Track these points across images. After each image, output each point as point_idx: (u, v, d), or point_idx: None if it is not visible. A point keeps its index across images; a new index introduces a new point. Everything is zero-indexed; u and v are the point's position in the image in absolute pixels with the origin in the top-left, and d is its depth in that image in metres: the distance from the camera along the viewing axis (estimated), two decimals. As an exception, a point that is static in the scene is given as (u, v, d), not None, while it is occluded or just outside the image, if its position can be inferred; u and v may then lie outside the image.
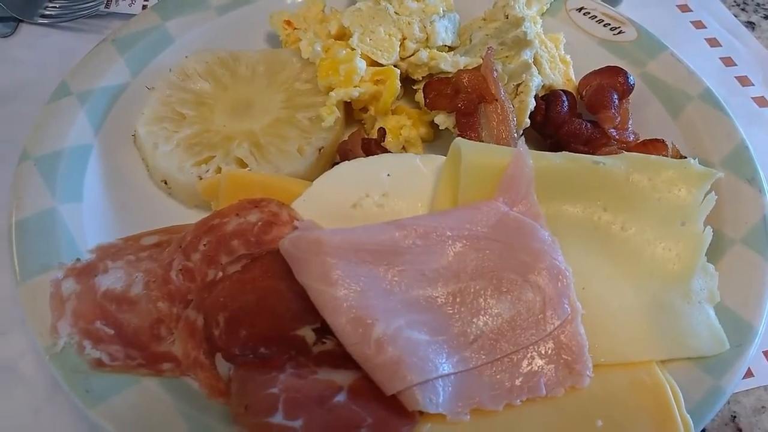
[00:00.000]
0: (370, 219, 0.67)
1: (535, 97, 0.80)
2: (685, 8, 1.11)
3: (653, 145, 0.75)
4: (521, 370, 0.58)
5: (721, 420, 0.69)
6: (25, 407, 0.65)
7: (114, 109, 0.81)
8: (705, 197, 0.66)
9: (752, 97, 0.98)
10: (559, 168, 0.66)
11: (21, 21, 1.02)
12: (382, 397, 0.55)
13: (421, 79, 0.87)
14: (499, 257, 0.62)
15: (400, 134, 0.83)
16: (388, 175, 0.70)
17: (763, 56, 1.03)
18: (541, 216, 0.64)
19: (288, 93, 0.84)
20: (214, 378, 0.58)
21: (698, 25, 1.09)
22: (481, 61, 0.82)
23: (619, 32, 0.93)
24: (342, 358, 0.57)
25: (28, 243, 0.65)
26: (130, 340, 0.60)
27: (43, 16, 1.02)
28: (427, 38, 0.86)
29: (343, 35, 0.88)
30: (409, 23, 0.86)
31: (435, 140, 0.86)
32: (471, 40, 0.90)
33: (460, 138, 0.69)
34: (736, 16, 1.11)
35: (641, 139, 0.79)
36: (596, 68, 0.86)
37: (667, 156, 0.74)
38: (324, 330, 0.59)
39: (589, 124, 0.79)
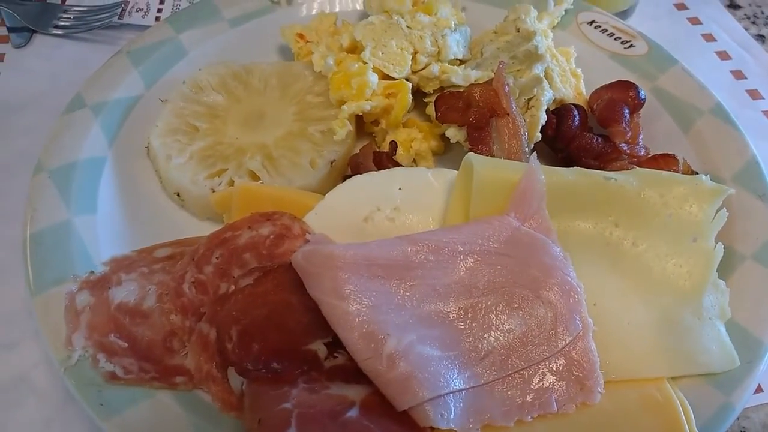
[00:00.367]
0: (381, 233, 0.68)
1: (547, 111, 0.81)
2: (695, 21, 1.12)
3: (664, 160, 0.76)
4: (532, 386, 0.58)
5: (732, 436, 0.69)
6: (36, 419, 0.65)
7: (128, 121, 0.82)
8: (716, 214, 0.66)
9: (763, 111, 0.98)
10: (571, 183, 0.66)
11: (35, 32, 1.03)
12: (393, 412, 0.55)
13: (432, 92, 0.87)
14: (511, 273, 0.63)
15: (411, 147, 0.83)
16: (400, 189, 0.70)
17: (773, 70, 1.03)
18: (552, 231, 0.64)
19: (300, 106, 0.84)
20: (226, 392, 0.59)
21: (708, 38, 1.09)
22: (492, 74, 0.82)
23: (630, 46, 0.93)
24: (354, 373, 0.57)
25: (42, 255, 0.66)
26: (143, 354, 0.60)
27: (57, 27, 1.03)
28: (438, 52, 0.86)
29: (355, 48, 0.89)
30: (420, 37, 0.86)
31: (446, 153, 0.87)
32: (482, 54, 0.90)
33: (472, 153, 0.69)
34: (746, 29, 1.11)
35: (652, 154, 0.79)
36: (607, 82, 0.87)
37: (678, 171, 0.75)
38: (336, 344, 0.59)
39: (600, 139, 0.79)
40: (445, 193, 0.70)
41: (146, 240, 0.71)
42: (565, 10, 0.97)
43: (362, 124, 0.87)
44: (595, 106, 0.85)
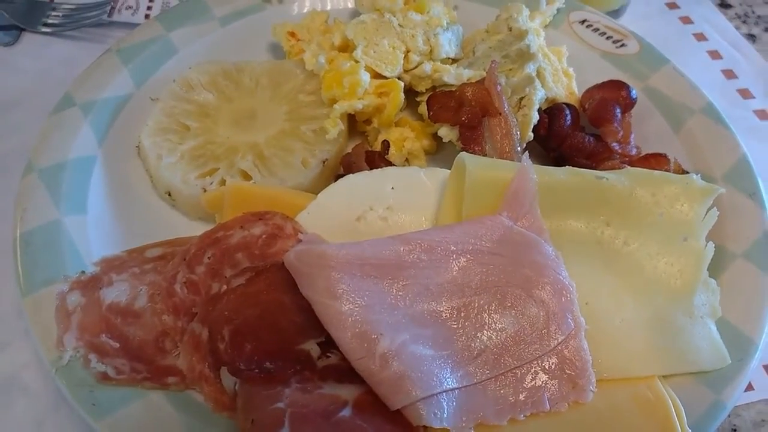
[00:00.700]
0: (374, 232, 0.68)
1: (539, 110, 0.81)
2: (687, 20, 1.12)
3: (655, 160, 0.76)
4: (525, 385, 0.58)
5: (722, 433, 0.70)
6: (28, 420, 0.65)
7: (118, 120, 0.81)
8: (707, 213, 0.67)
9: (753, 110, 0.99)
10: (563, 183, 0.66)
11: (23, 30, 1.02)
12: (386, 411, 0.55)
13: (424, 91, 0.87)
14: (503, 272, 0.63)
15: (404, 146, 0.83)
16: (393, 188, 0.70)
17: (764, 69, 1.04)
18: (544, 231, 0.64)
19: (292, 105, 0.84)
20: (219, 392, 0.58)
21: (700, 37, 1.09)
22: (484, 73, 0.82)
23: (622, 45, 0.93)
24: (347, 373, 0.57)
25: (33, 255, 0.65)
26: (135, 354, 0.60)
27: (46, 24, 1.02)
28: (430, 51, 0.86)
29: (346, 47, 0.88)
30: (413, 36, 0.86)
31: (438, 152, 0.87)
32: (474, 53, 0.90)
33: (464, 152, 0.69)
34: (737, 29, 1.12)
35: (643, 153, 0.79)
36: (599, 81, 0.87)
37: (669, 170, 0.75)
38: (328, 344, 0.59)
39: (591, 138, 0.80)
40: (437, 193, 0.70)
41: (137, 240, 0.71)
42: (557, 9, 0.97)
43: (354, 123, 0.87)
44: (587, 106, 0.85)
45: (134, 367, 0.59)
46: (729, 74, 1.04)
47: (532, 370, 0.59)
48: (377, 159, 0.77)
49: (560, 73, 0.89)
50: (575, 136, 0.79)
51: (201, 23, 0.93)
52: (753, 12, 1.16)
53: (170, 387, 0.59)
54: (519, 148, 0.76)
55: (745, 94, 1.01)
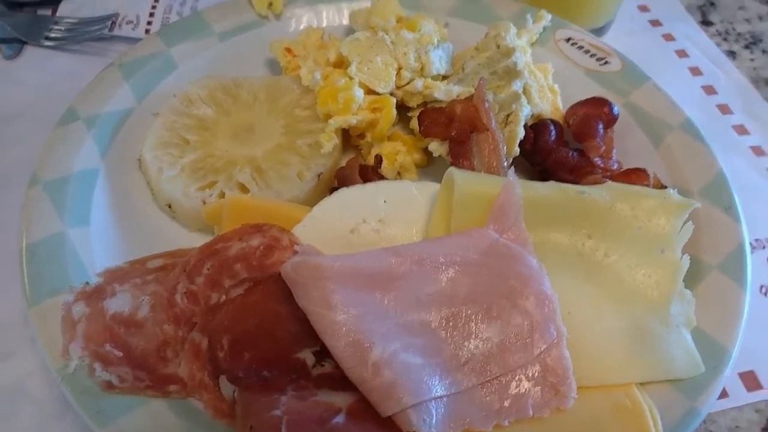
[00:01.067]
0: (367, 244, 0.71)
1: (525, 126, 0.84)
2: (669, 37, 1.16)
3: (636, 174, 0.79)
4: (510, 392, 0.62)
5: (698, 438, 0.73)
6: (32, 427, 0.67)
7: (120, 134, 0.84)
8: (683, 226, 0.70)
9: (732, 126, 1.03)
10: (547, 197, 0.70)
11: (26, 43, 1.05)
12: (378, 418, 0.58)
13: (416, 106, 0.90)
14: (490, 283, 0.66)
15: (396, 160, 0.86)
16: (385, 201, 0.73)
17: (743, 85, 1.08)
18: (529, 243, 0.67)
19: (288, 119, 0.87)
20: (218, 399, 0.61)
21: (681, 54, 1.13)
22: (473, 90, 0.86)
23: (605, 63, 0.97)
24: (340, 381, 0.60)
25: (38, 266, 0.68)
26: (137, 362, 0.62)
27: (48, 38, 1.05)
28: (422, 68, 0.90)
29: (341, 63, 0.91)
30: (404, 53, 0.89)
31: (429, 166, 0.90)
32: (464, 69, 0.93)
33: (453, 167, 0.72)
34: (718, 46, 1.16)
35: (624, 168, 0.83)
36: (583, 97, 0.90)
37: (648, 185, 0.78)
38: (323, 353, 0.62)
39: (575, 153, 0.83)
40: (428, 206, 0.73)
41: (139, 251, 0.73)
42: (544, 27, 1.00)
43: (348, 137, 0.90)
44: (571, 121, 0.88)
45: (137, 376, 0.62)
46: (709, 90, 1.07)
47: (517, 378, 0.62)
48: (370, 173, 0.80)
49: (546, 90, 0.93)
50: (559, 151, 0.83)
51: (200, 39, 0.96)
52: (734, 29, 1.20)
53: (172, 395, 0.62)
54: (505, 163, 0.79)
55: (724, 109, 1.05)
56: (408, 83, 0.89)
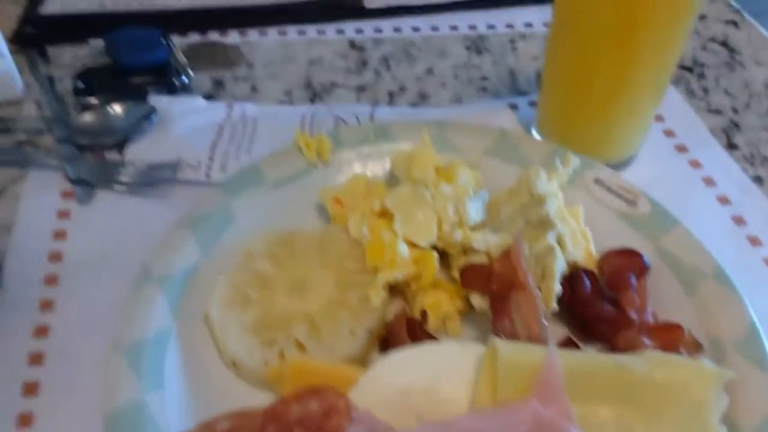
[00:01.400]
0: (417, 408, 0.76)
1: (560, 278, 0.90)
2: (696, 164, 1.21)
3: (671, 331, 0.84)
4: None
5: None
6: None
7: (188, 291, 0.92)
8: (719, 396, 0.74)
9: (763, 258, 1.06)
10: (587, 369, 0.75)
11: (97, 187, 1.15)
12: None
13: (456, 253, 0.97)
14: (535, 454, 0.70)
15: (440, 309, 0.92)
16: (433, 365, 0.79)
17: (771, 214, 1.12)
18: (573, 416, 0.71)
19: (339, 271, 0.94)
20: None
21: (709, 182, 1.18)
22: (509, 239, 0.92)
23: (634, 204, 1.02)
24: None
25: (120, 434, 0.75)
26: None
27: (119, 183, 1.15)
28: (460, 220, 0.97)
29: (386, 212, 0.99)
30: (444, 206, 0.97)
31: (471, 312, 0.95)
32: (499, 215, 1.00)
33: (496, 338, 0.78)
34: (744, 171, 1.20)
35: (659, 321, 0.87)
36: (614, 240, 0.96)
37: (682, 341, 0.83)
38: None
39: (611, 307, 0.88)
40: (474, 368, 0.79)
41: (207, 410, 0.80)
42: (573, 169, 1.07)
43: (394, 285, 0.97)
44: (604, 268, 0.94)
45: None
46: (738, 220, 1.11)
47: None
48: (417, 330, 0.86)
49: (578, 235, 0.98)
50: (595, 304, 0.88)
51: (257, 188, 1.05)
52: (759, 152, 1.25)
53: None
54: (544, 321, 0.84)
55: (754, 241, 1.08)
56: (448, 234, 0.96)
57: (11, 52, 1.28)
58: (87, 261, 1.04)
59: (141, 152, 1.20)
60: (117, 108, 1.24)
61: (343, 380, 0.79)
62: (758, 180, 1.19)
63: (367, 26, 1.53)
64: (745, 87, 1.39)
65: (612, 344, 0.87)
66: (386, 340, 0.88)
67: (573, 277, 0.90)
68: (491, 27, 1.54)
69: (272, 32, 1.50)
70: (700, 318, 0.88)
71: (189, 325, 0.90)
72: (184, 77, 1.32)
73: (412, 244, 0.95)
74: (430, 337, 0.87)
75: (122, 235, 1.07)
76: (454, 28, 1.53)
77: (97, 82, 1.27)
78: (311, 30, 1.51)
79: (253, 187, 1.05)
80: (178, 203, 1.11)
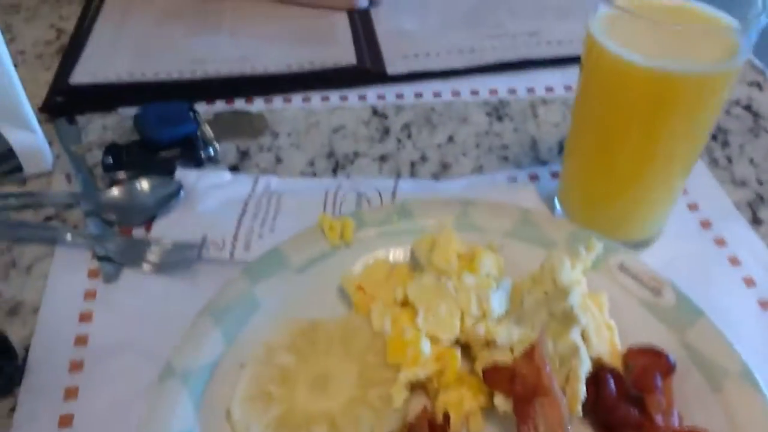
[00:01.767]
0: None
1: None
2: (720, 242, 1.20)
3: (697, 438, 0.82)
4: None
5: None
6: None
7: (210, 385, 0.92)
8: None
9: (792, 347, 1.04)
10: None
11: (124, 266, 1.17)
12: None
13: (478, 348, 0.97)
14: None
15: (462, 407, 0.92)
16: (455, 475, 0.79)
17: (799, 297, 1.10)
18: None
19: (361, 366, 0.95)
20: None
21: (734, 261, 1.16)
22: (533, 334, 0.92)
23: (659, 293, 1.01)
24: None
25: None
26: None
27: (145, 261, 1.17)
28: (483, 314, 0.97)
29: (407, 301, 0.99)
30: (467, 299, 0.97)
31: (493, 407, 0.95)
32: (522, 304, 1.00)
33: (520, 450, 0.77)
34: (769, 246, 1.18)
35: (685, 426, 0.86)
36: (638, 331, 0.95)
37: (710, 449, 0.81)
38: None
39: (636, 411, 0.87)
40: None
41: None
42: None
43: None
44: (629, 365, 0.93)
45: None
46: (765, 305, 1.09)
47: None
48: (440, 433, 0.86)
49: (603, 328, 0.97)
50: (620, 408, 0.87)
51: (279, 272, 1.06)
52: (785, 228, 1.23)
53: None
54: (569, 427, 0.83)
55: (782, 328, 1.06)
56: (470, 328, 0.96)
57: (40, 122, 1.31)
58: (112, 345, 1.05)
59: (167, 229, 1.22)
60: (144, 184, 1.26)
61: (365, 489, 0.79)
62: (785, 260, 1.17)
63: (389, 91, 1.54)
64: (770, 155, 1.38)
65: (637, 448, 0.85)
66: (407, 440, 0.88)
67: (598, 378, 0.89)
68: (512, 92, 1.54)
69: (296, 99, 1.52)
70: (725, 417, 0.87)
71: (212, 421, 0.90)
72: (210, 149, 1.35)
73: (434, 339, 0.95)
74: (453, 441, 0.86)
75: (147, 317, 1.09)
76: (474, 92, 1.54)
77: (125, 157, 1.30)
78: (334, 96, 1.53)
79: (277, 272, 1.06)
80: (202, 283, 1.12)
